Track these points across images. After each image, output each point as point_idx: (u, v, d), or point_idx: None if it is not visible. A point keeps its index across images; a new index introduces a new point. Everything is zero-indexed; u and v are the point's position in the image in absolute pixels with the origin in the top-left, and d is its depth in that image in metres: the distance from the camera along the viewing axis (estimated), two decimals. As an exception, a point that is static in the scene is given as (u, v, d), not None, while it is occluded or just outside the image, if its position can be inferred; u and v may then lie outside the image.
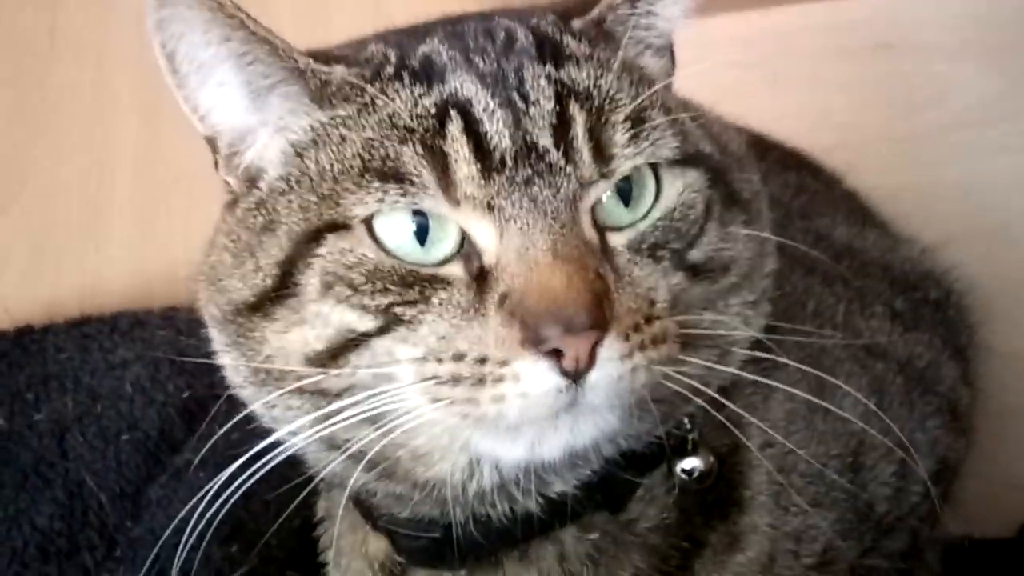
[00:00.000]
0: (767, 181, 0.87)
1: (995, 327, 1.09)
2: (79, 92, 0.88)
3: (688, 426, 0.60)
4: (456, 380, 0.49)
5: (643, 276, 0.53)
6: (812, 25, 1.36)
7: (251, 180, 0.59)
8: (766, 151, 1.00)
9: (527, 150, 0.52)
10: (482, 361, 0.49)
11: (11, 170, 0.83)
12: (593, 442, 0.54)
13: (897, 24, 1.31)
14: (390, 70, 0.56)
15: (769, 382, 0.59)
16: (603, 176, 0.53)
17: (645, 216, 0.55)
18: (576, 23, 0.58)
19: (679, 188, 0.56)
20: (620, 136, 0.53)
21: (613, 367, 0.49)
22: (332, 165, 0.54)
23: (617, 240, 0.54)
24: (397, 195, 0.52)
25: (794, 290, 0.73)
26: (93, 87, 0.89)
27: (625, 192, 0.55)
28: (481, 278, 0.51)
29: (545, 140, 0.52)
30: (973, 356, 0.86)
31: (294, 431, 0.56)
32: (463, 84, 0.54)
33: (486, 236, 0.52)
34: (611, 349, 0.49)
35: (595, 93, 0.54)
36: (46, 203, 0.86)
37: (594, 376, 0.49)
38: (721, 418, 0.57)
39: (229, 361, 0.59)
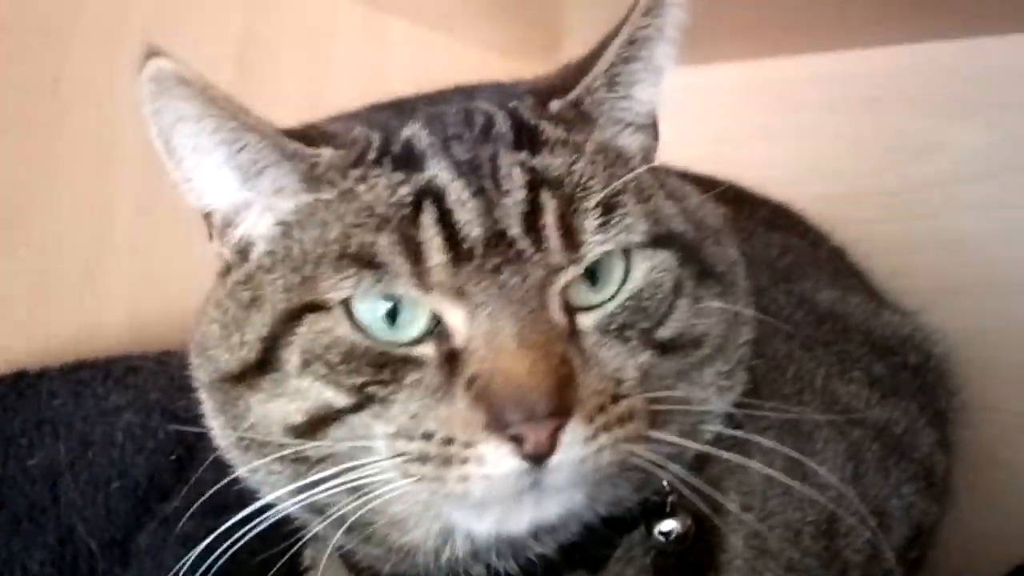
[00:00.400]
0: (753, 240, 0.89)
1: (981, 380, 1.11)
2: (82, 139, 0.89)
3: (667, 489, 0.61)
4: (424, 458, 0.51)
5: (610, 356, 0.55)
6: (805, 77, 1.38)
7: (242, 253, 0.61)
8: (753, 208, 1.01)
9: (497, 238, 0.54)
10: (448, 442, 0.51)
11: (16, 214, 0.83)
12: (560, 518, 0.55)
13: (888, 78, 1.33)
14: (372, 155, 0.58)
15: (742, 460, 0.61)
16: (572, 262, 0.55)
17: (613, 297, 0.56)
18: (554, 105, 0.60)
19: (647, 269, 0.57)
20: (590, 223, 0.55)
21: (576, 451, 0.51)
22: (314, 247, 0.57)
23: (585, 321, 0.55)
24: (372, 281, 0.54)
25: (775, 354, 0.74)
26: (96, 134, 0.90)
27: (593, 273, 0.56)
28: (452, 359, 0.53)
29: (515, 229, 0.54)
30: (952, 420, 0.87)
31: (278, 497, 0.58)
32: (439, 173, 0.56)
33: (457, 320, 0.54)
34: (574, 433, 0.51)
35: (567, 180, 0.56)
36: (48, 246, 0.87)
37: (556, 459, 0.50)
38: (699, 483, 0.58)
39: (216, 426, 0.61)
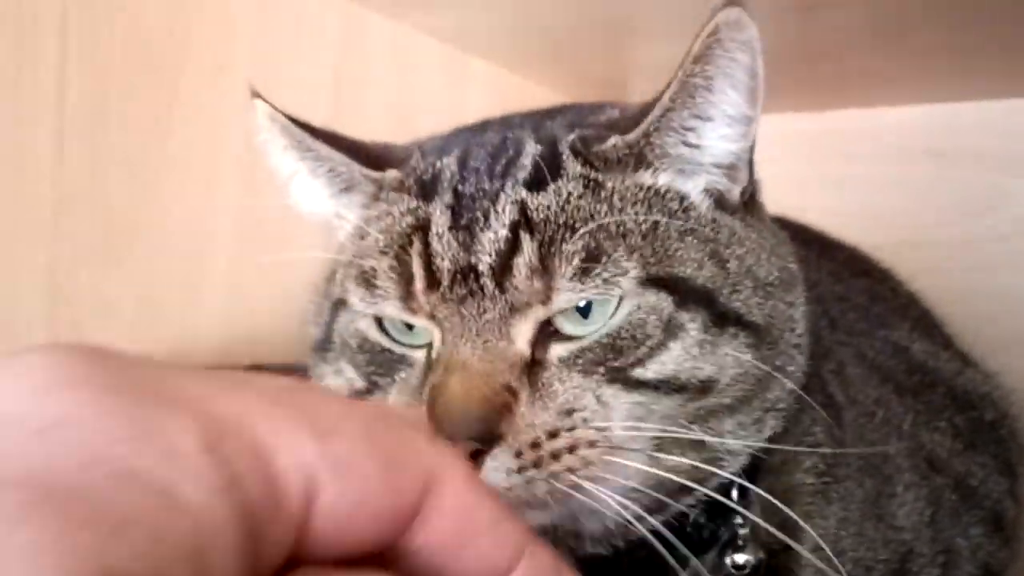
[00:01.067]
0: (842, 284, 0.92)
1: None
2: (190, 159, 0.93)
3: (740, 522, 0.63)
4: None
5: (565, 390, 0.56)
6: (869, 128, 1.41)
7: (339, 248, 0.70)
8: (834, 252, 1.03)
9: (466, 272, 0.57)
10: None
11: (128, 227, 0.88)
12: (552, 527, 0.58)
13: (952, 133, 1.35)
14: (410, 181, 0.65)
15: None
16: (541, 303, 0.56)
17: (595, 331, 0.57)
18: (610, 142, 0.62)
19: (630, 308, 0.57)
20: (566, 269, 0.56)
21: (499, 477, 0.52)
22: (353, 255, 0.64)
23: (555, 351, 0.57)
24: (369, 299, 0.61)
25: (867, 398, 0.76)
26: (204, 154, 0.95)
27: (585, 311, 0.57)
28: (429, 366, 0.58)
29: (483, 266, 0.57)
30: (1022, 474, 0.89)
31: None
32: (437, 207, 0.61)
33: (436, 337, 0.58)
34: (496, 461, 0.53)
35: (554, 222, 0.58)
36: (154, 259, 0.91)
37: (480, 475, 0.51)
38: (770, 527, 0.60)
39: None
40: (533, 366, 0.56)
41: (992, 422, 0.89)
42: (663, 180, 0.62)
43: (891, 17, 1.01)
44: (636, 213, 0.59)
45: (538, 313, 0.57)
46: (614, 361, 0.56)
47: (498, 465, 0.53)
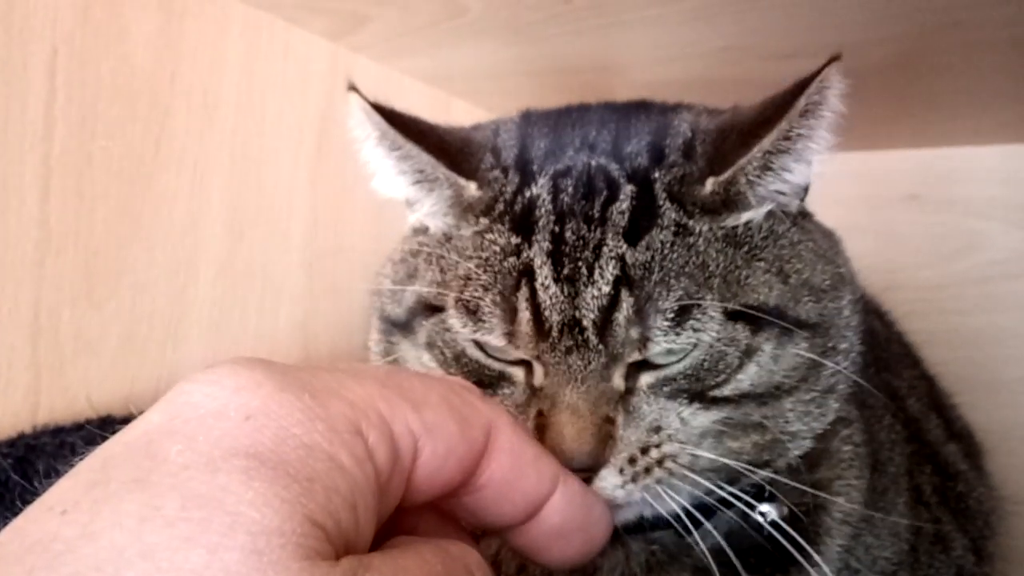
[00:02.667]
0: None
1: (1013, 475, 1.14)
2: (175, 197, 0.93)
3: (766, 475, 0.67)
4: None
5: (653, 411, 0.61)
6: (846, 172, 1.42)
7: (418, 229, 0.75)
8: None
9: (571, 325, 0.61)
10: None
11: (111, 266, 0.88)
12: (622, 524, 0.63)
13: (927, 177, 1.38)
14: (500, 208, 0.67)
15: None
16: (638, 351, 0.61)
17: (678, 362, 0.62)
18: (707, 188, 0.65)
19: (711, 340, 0.61)
20: (660, 323, 0.60)
21: (607, 492, 0.60)
22: (449, 271, 0.67)
23: (644, 380, 0.62)
24: (473, 328, 0.64)
25: (876, 405, 0.80)
26: (188, 193, 0.94)
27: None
28: (532, 389, 0.63)
29: (587, 321, 0.61)
30: (986, 551, 0.91)
31: None
32: (539, 254, 0.63)
33: (537, 367, 0.63)
34: (603, 481, 0.60)
35: (652, 278, 0.61)
36: (136, 299, 0.90)
37: (595, 487, 0.59)
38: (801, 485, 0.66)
39: (373, 345, 0.76)
40: (626, 394, 0.62)
41: (961, 494, 0.92)
42: (744, 217, 0.66)
43: (867, 67, 1.03)
44: (716, 252, 0.63)
45: (634, 357, 0.62)
46: (696, 386, 0.62)
47: (605, 485, 0.60)
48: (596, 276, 0.61)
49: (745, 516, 0.67)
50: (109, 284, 0.89)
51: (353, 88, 0.73)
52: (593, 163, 0.68)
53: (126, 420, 0.84)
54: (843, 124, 0.67)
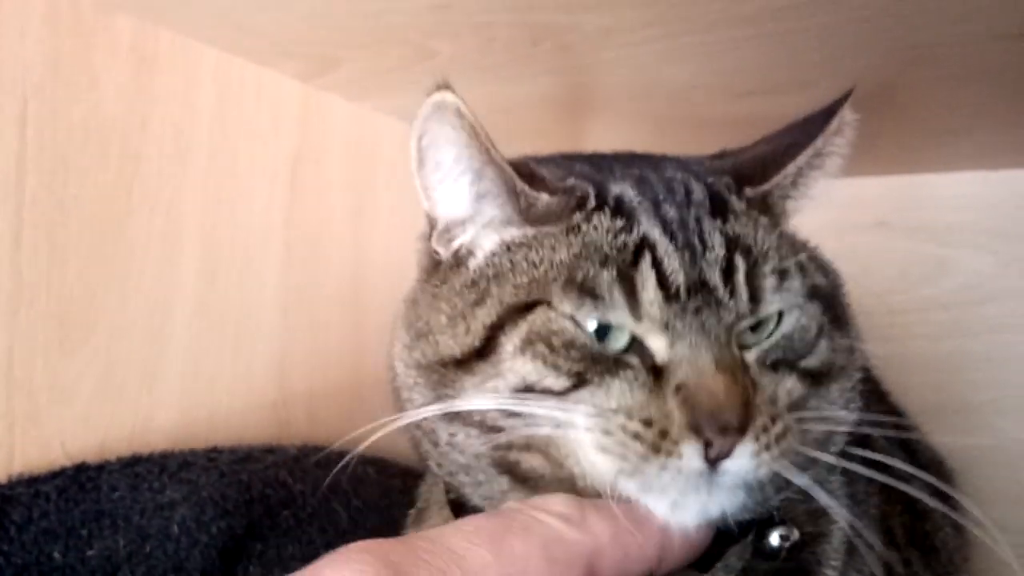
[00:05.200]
0: None
1: (985, 498, 1.14)
2: (149, 242, 0.93)
3: (775, 504, 0.70)
4: (636, 438, 0.62)
5: (767, 384, 0.65)
6: (817, 199, 1.44)
7: (458, 258, 0.73)
8: None
9: (700, 286, 0.65)
10: (663, 434, 0.61)
11: (84, 313, 0.88)
12: (722, 514, 0.64)
13: (896, 203, 1.39)
14: (592, 204, 0.70)
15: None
16: (752, 312, 0.66)
17: (769, 337, 0.67)
18: (748, 191, 0.72)
19: (797, 316, 0.68)
20: (769, 284, 0.67)
21: (744, 461, 0.61)
22: (542, 263, 0.68)
23: (749, 356, 0.66)
24: (592, 307, 0.65)
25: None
26: (161, 238, 0.95)
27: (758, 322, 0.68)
28: (656, 369, 0.64)
29: (715, 280, 0.66)
30: (951, 573, 0.93)
31: (466, 448, 0.69)
32: (651, 229, 0.68)
33: (659, 344, 0.65)
34: (744, 447, 0.61)
35: (755, 248, 0.68)
36: (110, 345, 0.90)
37: (727, 465, 0.61)
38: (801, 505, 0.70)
39: (418, 397, 0.72)
40: (744, 367, 0.65)
41: (928, 532, 0.93)
42: (788, 225, 0.75)
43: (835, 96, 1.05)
44: (779, 240, 0.70)
45: (748, 321, 0.66)
46: (790, 355, 0.67)
47: (744, 451, 0.61)
48: (710, 243, 0.67)
49: (757, 546, 0.69)
50: (83, 331, 0.89)
51: (445, 87, 0.69)
52: (663, 174, 0.74)
53: (100, 468, 0.86)
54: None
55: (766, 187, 0.72)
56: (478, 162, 0.69)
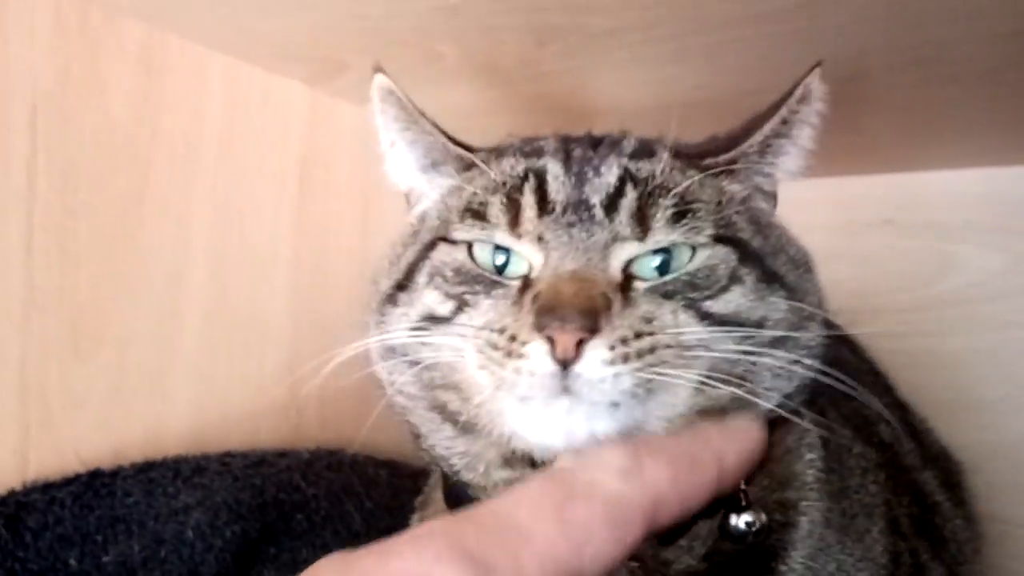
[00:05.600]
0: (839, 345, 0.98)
1: (994, 494, 1.15)
2: (159, 248, 0.94)
3: (742, 487, 0.68)
4: (494, 346, 0.64)
5: (649, 306, 0.65)
6: (822, 198, 1.44)
7: (421, 220, 0.80)
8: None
9: (578, 205, 0.68)
10: (512, 338, 0.63)
11: (96, 320, 0.88)
12: (593, 434, 0.63)
13: (903, 201, 1.39)
14: (510, 151, 0.76)
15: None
16: (638, 239, 0.67)
17: (670, 273, 0.68)
18: (707, 161, 0.74)
19: (704, 257, 0.68)
20: (661, 216, 0.68)
21: (596, 367, 0.61)
22: (453, 204, 0.75)
23: (641, 285, 0.67)
24: (479, 230, 0.70)
25: (843, 437, 0.81)
26: (172, 244, 0.95)
27: (665, 263, 0.68)
28: (527, 285, 0.67)
29: (594, 200, 0.68)
30: (961, 563, 0.93)
31: (402, 384, 0.74)
32: (548, 161, 0.72)
33: (536, 259, 0.68)
34: (594, 351, 0.61)
35: (652, 181, 0.69)
36: (122, 352, 0.91)
37: (578, 368, 0.60)
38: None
39: (373, 345, 0.76)
40: (624, 288, 0.66)
41: (937, 524, 0.93)
42: (735, 187, 0.74)
43: (839, 99, 1.05)
44: (709, 191, 0.71)
45: (633, 248, 0.67)
46: (690, 294, 0.67)
47: (595, 356, 0.61)
48: (603, 171, 0.70)
49: (722, 528, 0.68)
50: (95, 338, 0.90)
51: (380, 70, 0.80)
52: (601, 137, 0.78)
53: (115, 474, 0.87)
54: (823, 128, 0.75)
55: (730, 156, 0.74)
56: (416, 132, 0.79)
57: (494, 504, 0.51)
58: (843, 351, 1.05)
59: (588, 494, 0.52)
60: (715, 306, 0.67)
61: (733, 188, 0.74)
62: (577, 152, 0.73)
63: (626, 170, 0.70)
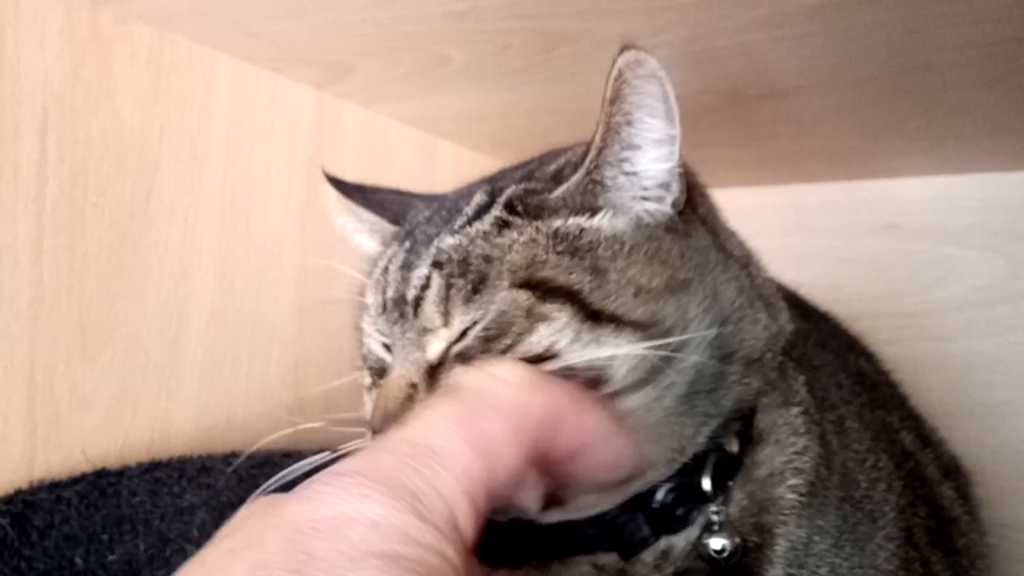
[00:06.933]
0: (848, 353, 1.04)
1: (997, 498, 1.15)
2: (167, 249, 0.94)
3: (715, 510, 0.69)
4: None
5: (449, 376, 0.66)
6: (826, 202, 1.45)
7: None
8: (838, 330, 1.11)
9: (399, 301, 0.70)
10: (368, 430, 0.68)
11: (104, 319, 0.89)
12: None
13: (906, 206, 1.40)
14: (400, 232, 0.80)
15: None
16: (445, 326, 0.67)
17: (470, 330, 0.67)
18: (558, 191, 0.70)
19: (496, 309, 0.66)
20: (458, 295, 0.67)
21: None
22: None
23: (453, 351, 0.67)
24: (366, 323, 0.75)
25: (860, 447, 0.81)
26: (179, 245, 0.96)
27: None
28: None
29: (409, 296, 0.69)
30: None
31: None
32: (392, 250, 0.76)
33: (386, 355, 0.72)
34: None
35: (454, 262, 0.68)
36: (129, 352, 0.92)
37: None
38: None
39: None
40: (439, 366, 0.67)
41: (952, 536, 0.93)
42: (575, 221, 0.69)
43: (843, 104, 1.06)
44: (525, 243, 0.68)
45: (444, 335, 0.68)
46: (487, 346, 0.65)
47: None
48: (421, 261, 0.70)
49: (696, 549, 0.69)
50: (102, 337, 0.90)
51: (328, 177, 0.91)
52: (471, 191, 0.76)
53: (121, 473, 0.87)
54: (675, 106, 0.68)
55: (560, 191, 0.70)
56: (365, 228, 0.89)
57: (404, 431, 0.52)
58: (862, 363, 1.05)
59: (491, 406, 0.54)
60: (517, 352, 0.64)
61: (554, 224, 0.69)
62: (420, 232, 0.75)
63: (435, 258, 0.69)
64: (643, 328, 0.65)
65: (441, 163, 1.34)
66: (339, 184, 0.90)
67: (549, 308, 0.64)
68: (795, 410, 0.75)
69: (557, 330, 0.64)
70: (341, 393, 1.17)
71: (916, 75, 0.94)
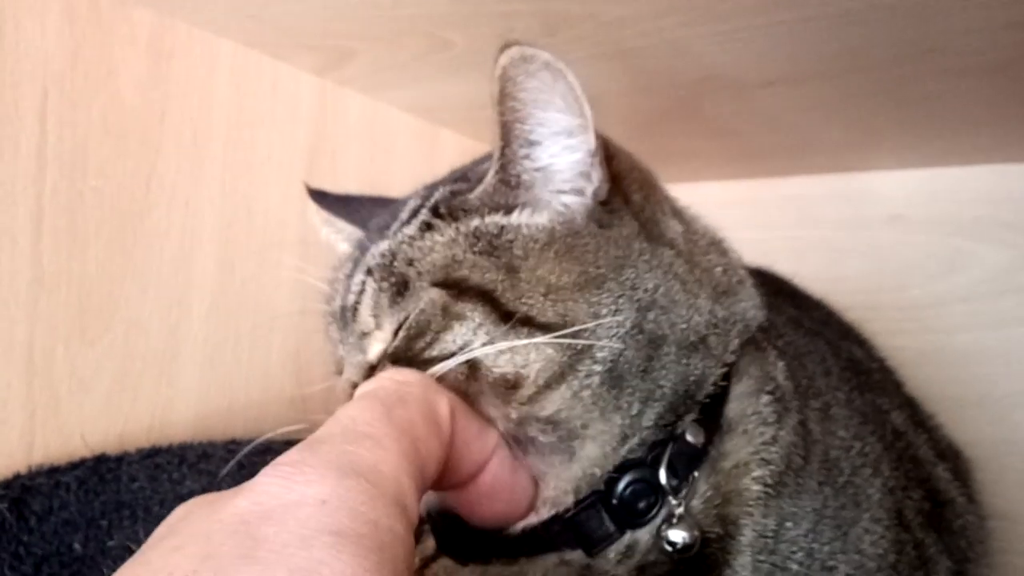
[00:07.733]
0: (840, 339, 1.02)
1: (1003, 491, 1.14)
2: (167, 234, 0.94)
3: (675, 503, 0.68)
4: None
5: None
6: (830, 194, 1.44)
7: None
8: (810, 308, 1.10)
9: (344, 310, 0.74)
10: None
11: (104, 303, 0.88)
12: None
13: (911, 197, 1.39)
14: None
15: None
16: (379, 328, 0.71)
17: (400, 330, 0.69)
18: (475, 193, 0.71)
19: (415, 309, 0.67)
20: (386, 298, 0.69)
21: None
22: None
23: (388, 350, 0.69)
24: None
25: (847, 434, 0.79)
26: (180, 229, 0.95)
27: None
28: None
29: (349, 303, 0.73)
30: (971, 560, 0.92)
31: None
32: (344, 264, 0.79)
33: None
34: None
35: (382, 268, 0.70)
36: (129, 336, 0.91)
37: None
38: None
39: None
40: (376, 367, 0.69)
41: (948, 519, 0.92)
42: (492, 219, 0.69)
43: (848, 92, 1.05)
44: (445, 244, 0.69)
45: (380, 337, 0.71)
46: (410, 346, 0.67)
47: None
48: (359, 267, 0.73)
49: (657, 540, 0.68)
50: (102, 321, 0.90)
51: (310, 191, 0.93)
52: (412, 196, 0.78)
53: (120, 459, 0.86)
54: (581, 95, 0.67)
55: (478, 192, 0.70)
56: (339, 233, 0.91)
57: (331, 425, 0.54)
58: (854, 349, 1.04)
59: (403, 400, 0.58)
60: (433, 351, 0.66)
61: (472, 223, 0.69)
62: (367, 239, 0.77)
63: (368, 264, 0.72)
64: (553, 331, 0.65)
65: (443, 152, 1.34)
66: (320, 196, 0.92)
67: (463, 307, 0.66)
68: (766, 399, 0.73)
69: (471, 330, 0.65)
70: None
71: (921, 61, 0.94)
